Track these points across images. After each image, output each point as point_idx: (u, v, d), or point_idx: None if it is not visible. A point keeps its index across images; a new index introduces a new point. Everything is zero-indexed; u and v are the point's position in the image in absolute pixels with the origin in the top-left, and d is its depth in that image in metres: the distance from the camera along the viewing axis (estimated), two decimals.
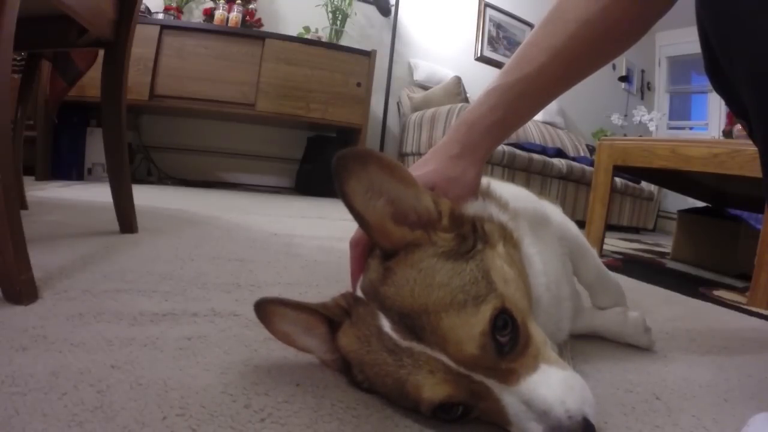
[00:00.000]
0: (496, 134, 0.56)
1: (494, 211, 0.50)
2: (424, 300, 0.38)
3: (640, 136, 4.02)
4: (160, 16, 2.95)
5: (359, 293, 0.44)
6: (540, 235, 0.55)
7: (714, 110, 4.66)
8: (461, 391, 0.37)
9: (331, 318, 0.45)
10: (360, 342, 0.42)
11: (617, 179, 3.43)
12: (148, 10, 2.90)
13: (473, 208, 0.49)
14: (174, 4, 3.03)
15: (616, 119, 4.47)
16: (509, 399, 0.37)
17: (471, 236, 0.43)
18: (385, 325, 0.39)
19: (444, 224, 0.43)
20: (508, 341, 0.38)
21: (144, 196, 1.67)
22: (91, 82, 1.41)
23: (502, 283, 0.40)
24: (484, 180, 0.58)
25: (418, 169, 0.54)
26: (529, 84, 0.55)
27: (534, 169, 3.18)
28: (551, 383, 0.37)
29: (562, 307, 0.56)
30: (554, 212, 0.65)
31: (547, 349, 0.41)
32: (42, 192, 1.92)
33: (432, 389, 0.37)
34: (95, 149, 2.65)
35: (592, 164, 2.72)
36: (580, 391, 0.38)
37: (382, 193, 0.40)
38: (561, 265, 0.58)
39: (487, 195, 0.54)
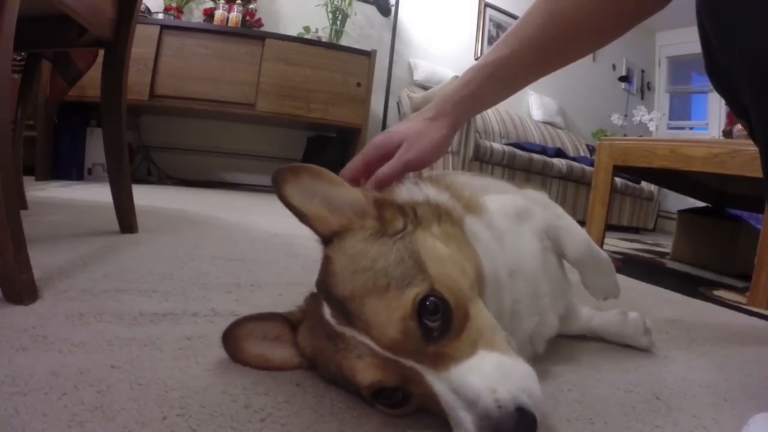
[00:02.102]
0: (466, 106, 0.62)
1: (432, 193, 0.50)
2: (351, 286, 0.39)
3: (640, 136, 4.02)
4: (160, 16, 2.95)
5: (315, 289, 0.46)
6: (513, 226, 0.55)
7: (714, 110, 4.66)
8: (391, 375, 0.37)
9: (293, 322, 0.48)
10: (310, 333, 0.44)
11: (617, 179, 3.43)
12: (148, 10, 2.90)
13: (407, 194, 0.50)
14: (174, 4, 3.03)
15: (616, 119, 4.47)
16: (439, 386, 0.35)
17: (399, 219, 0.44)
18: (326, 312, 0.41)
19: (372, 212, 0.45)
20: (438, 326, 0.36)
21: (144, 196, 1.66)
22: (91, 82, 1.41)
23: (434, 263, 0.39)
24: (448, 173, 0.62)
25: (399, 126, 0.61)
26: (499, 66, 0.61)
27: (534, 169, 3.18)
28: (485, 370, 0.35)
29: (541, 301, 0.54)
30: (536, 199, 0.63)
31: (492, 334, 0.39)
32: (42, 192, 1.92)
33: (362, 373, 0.38)
34: (95, 149, 2.65)
35: (592, 164, 2.72)
36: (518, 380, 0.35)
37: (315, 194, 0.45)
38: (539, 261, 0.55)
39: (434, 181, 0.55)
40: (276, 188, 0.44)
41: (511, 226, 0.55)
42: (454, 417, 0.35)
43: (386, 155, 0.58)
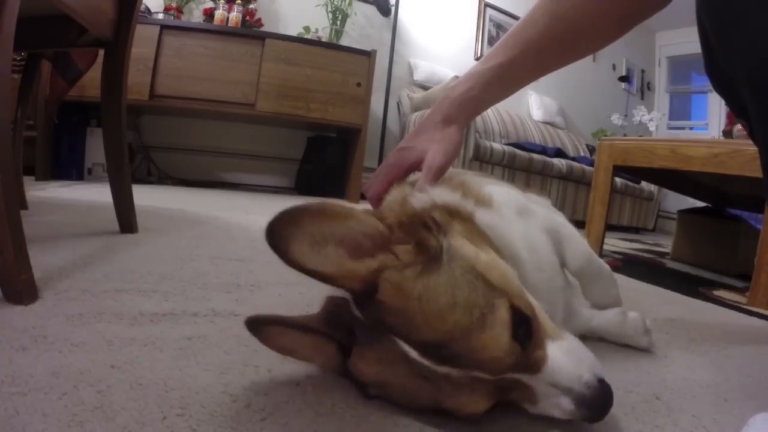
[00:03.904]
0: (471, 109, 0.64)
1: (437, 195, 0.50)
2: (445, 327, 0.36)
3: (640, 136, 4.02)
4: (160, 16, 2.95)
5: (356, 312, 0.41)
6: (525, 222, 0.56)
7: (714, 110, 4.66)
8: (496, 394, 0.40)
9: (339, 340, 0.44)
10: (383, 365, 0.40)
11: (617, 179, 3.43)
12: (148, 10, 2.90)
13: (417, 204, 0.48)
14: (174, 4, 3.03)
15: (616, 119, 4.47)
16: (539, 386, 0.40)
17: (430, 236, 0.41)
18: (412, 353, 0.38)
19: (398, 236, 0.40)
20: (525, 335, 0.39)
21: (144, 196, 1.67)
22: (91, 82, 1.41)
23: (490, 274, 0.40)
24: (454, 172, 0.63)
25: (411, 140, 0.62)
26: (501, 71, 0.62)
27: (534, 169, 3.18)
28: (564, 361, 0.40)
29: (555, 297, 0.55)
30: (539, 202, 0.66)
31: (544, 320, 0.43)
32: (42, 192, 1.92)
33: (476, 405, 0.39)
34: (95, 149, 2.65)
35: (592, 164, 2.72)
36: (586, 357, 0.42)
37: (326, 239, 0.37)
38: (553, 254, 0.58)
39: (447, 183, 0.55)
40: (279, 253, 0.35)
41: (518, 218, 0.56)
42: (554, 402, 0.40)
43: (407, 170, 0.60)
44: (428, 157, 0.59)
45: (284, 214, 0.35)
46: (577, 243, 0.63)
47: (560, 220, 0.64)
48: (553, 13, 0.60)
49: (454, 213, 0.47)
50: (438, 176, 0.57)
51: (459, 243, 0.42)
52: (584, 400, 0.39)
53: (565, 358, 0.41)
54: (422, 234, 0.41)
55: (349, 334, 0.43)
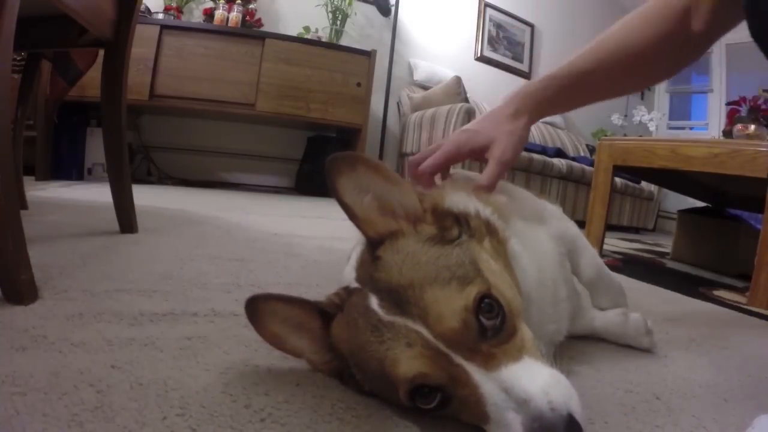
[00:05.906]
0: (542, 109, 0.66)
1: (480, 208, 0.50)
2: (410, 275, 0.39)
3: (640, 136, 4.02)
4: (160, 16, 2.95)
5: (354, 284, 0.44)
6: (534, 233, 0.56)
7: (714, 110, 4.66)
8: (438, 371, 0.36)
9: (324, 311, 0.45)
10: (349, 327, 0.42)
11: (617, 179, 3.43)
12: (148, 10, 2.90)
13: (459, 204, 0.49)
14: (174, 4, 3.03)
15: (616, 119, 4.47)
16: (488, 386, 0.35)
17: (455, 227, 0.44)
18: (373, 302, 0.39)
19: (429, 219, 0.45)
20: (492, 326, 0.37)
21: (144, 196, 1.67)
22: (91, 82, 1.41)
23: (489, 273, 0.40)
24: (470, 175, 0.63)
25: (478, 124, 0.63)
26: (572, 81, 0.65)
27: (534, 169, 3.18)
28: (534, 374, 0.36)
29: (559, 307, 0.55)
30: (552, 211, 0.66)
31: (533, 346, 0.39)
32: (42, 192, 1.92)
33: (408, 363, 0.36)
34: (95, 149, 2.65)
35: (592, 164, 2.72)
36: (566, 387, 0.36)
37: (369, 190, 0.43)
38: (558, 265, 0.57)
39: (463, 187, 0.55)
40: (329, 180, 0.41)
41: (529, 229, 0.56)
42: (501, 419, 0.35)
43: (468, 154, 0.61)
44: (496, 149, 0.59)
45: (348, 155, 0.42)
46: (591, 257, 0.65)
47: (575, 231, 0.65)
48: (623, 44, 0.63)
49: (492, 231, 0.48)
50: (504, 171, 0.58)
51: (478, 249, 0.43)
52: (540, 423, 0.33)
53: (538, 373, 0.36)
54: (449, 222, 0.44)
55: (336, 309, 0.45)
